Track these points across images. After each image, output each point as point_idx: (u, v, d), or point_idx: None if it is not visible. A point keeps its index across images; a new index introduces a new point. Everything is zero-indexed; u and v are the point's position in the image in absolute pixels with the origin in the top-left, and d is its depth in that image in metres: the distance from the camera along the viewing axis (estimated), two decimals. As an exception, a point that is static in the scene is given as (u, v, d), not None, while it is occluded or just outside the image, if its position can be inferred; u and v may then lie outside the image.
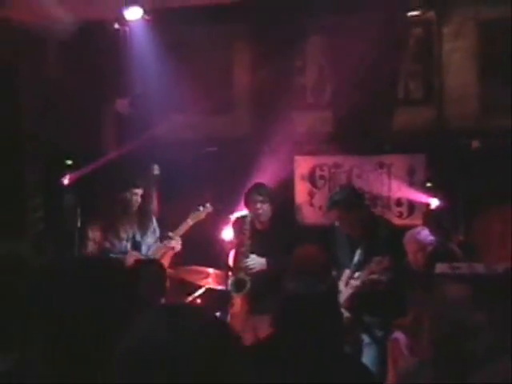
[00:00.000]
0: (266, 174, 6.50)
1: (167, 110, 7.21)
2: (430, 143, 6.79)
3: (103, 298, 1.63)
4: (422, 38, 6.85)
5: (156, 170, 6.50)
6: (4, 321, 2.10)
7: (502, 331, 2.54)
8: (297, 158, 7.14)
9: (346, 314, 4.97)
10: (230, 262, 5.72)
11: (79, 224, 5.75)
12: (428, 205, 6.71)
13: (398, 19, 6.61)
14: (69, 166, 6.25)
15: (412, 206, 6.84)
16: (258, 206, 5.57)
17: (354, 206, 5.37)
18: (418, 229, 5.85)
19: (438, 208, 6.65)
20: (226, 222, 6.03)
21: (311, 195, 7.16)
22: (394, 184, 6.88)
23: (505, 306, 2.71)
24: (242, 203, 5.79)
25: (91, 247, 5.71)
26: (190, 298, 5.77)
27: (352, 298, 5.16)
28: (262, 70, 7.16)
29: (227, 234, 5.96)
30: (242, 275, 5.55)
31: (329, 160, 7.10)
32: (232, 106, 7.37)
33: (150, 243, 5.81)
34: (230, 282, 5.61)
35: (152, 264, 4.75)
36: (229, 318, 5.46)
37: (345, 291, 5.13)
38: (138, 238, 5.78)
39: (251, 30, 7.20)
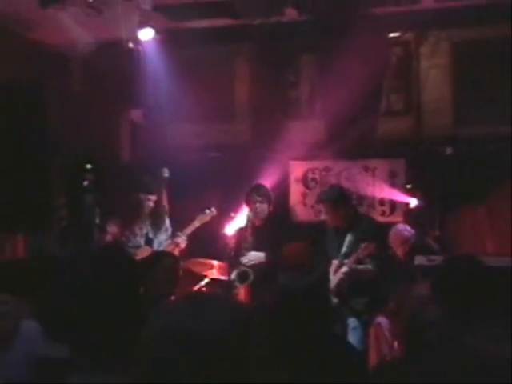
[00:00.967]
0: (264, 177, 6.67)
1: (176, 120, 7.49)
2: (409, 150, 7.11)
3: (117, 278, 1.69)
4: (402, 56, 7.14)
5: (166, 172, 6.35)
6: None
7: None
8: (291, 162, 7.41)
9: (334, 299, 5.13)
10: (233, 255, 5.79)
11: (98, 221, 5.84)
12: (408, 204, 7.02)
13: (380, 41, 6.79)
14: (89, 169, 6.14)
15: (393, 205, 7.12)
16: (257, 205, 5.67)
17: (340, 202, 5.51)
18: (402, 225, 6.20)
19: (416, 207, 6.95)
20: (228, 219, 6.18)
21: (304, 196, 7.40)
22: (378, 185, 7.14)
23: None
24: (243, 202, 5.90)
25: (108, 240, 5.94)
26: (196, 287, 5.84)
27: (340, 284, 5.27)
28: (261, 84, 7.43)
29: (230, 229, 6.12)
30: (245, 268, 5.61)
31: (320, 164, 7.36)
32: (234, 116, 7.62)
33: (162, 240, 5.87)
34: (234, 273, 5.66)
35: (167, 256, 4.75)
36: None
37: (333, 279, 5.23)
38: (150, 235, 5.86)
39: (251, 49, 7.40)
